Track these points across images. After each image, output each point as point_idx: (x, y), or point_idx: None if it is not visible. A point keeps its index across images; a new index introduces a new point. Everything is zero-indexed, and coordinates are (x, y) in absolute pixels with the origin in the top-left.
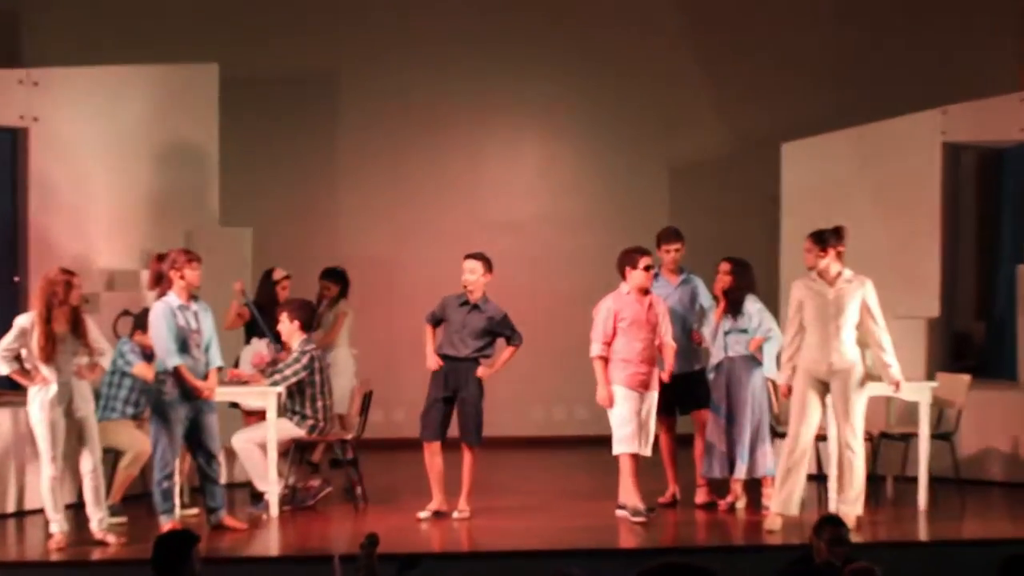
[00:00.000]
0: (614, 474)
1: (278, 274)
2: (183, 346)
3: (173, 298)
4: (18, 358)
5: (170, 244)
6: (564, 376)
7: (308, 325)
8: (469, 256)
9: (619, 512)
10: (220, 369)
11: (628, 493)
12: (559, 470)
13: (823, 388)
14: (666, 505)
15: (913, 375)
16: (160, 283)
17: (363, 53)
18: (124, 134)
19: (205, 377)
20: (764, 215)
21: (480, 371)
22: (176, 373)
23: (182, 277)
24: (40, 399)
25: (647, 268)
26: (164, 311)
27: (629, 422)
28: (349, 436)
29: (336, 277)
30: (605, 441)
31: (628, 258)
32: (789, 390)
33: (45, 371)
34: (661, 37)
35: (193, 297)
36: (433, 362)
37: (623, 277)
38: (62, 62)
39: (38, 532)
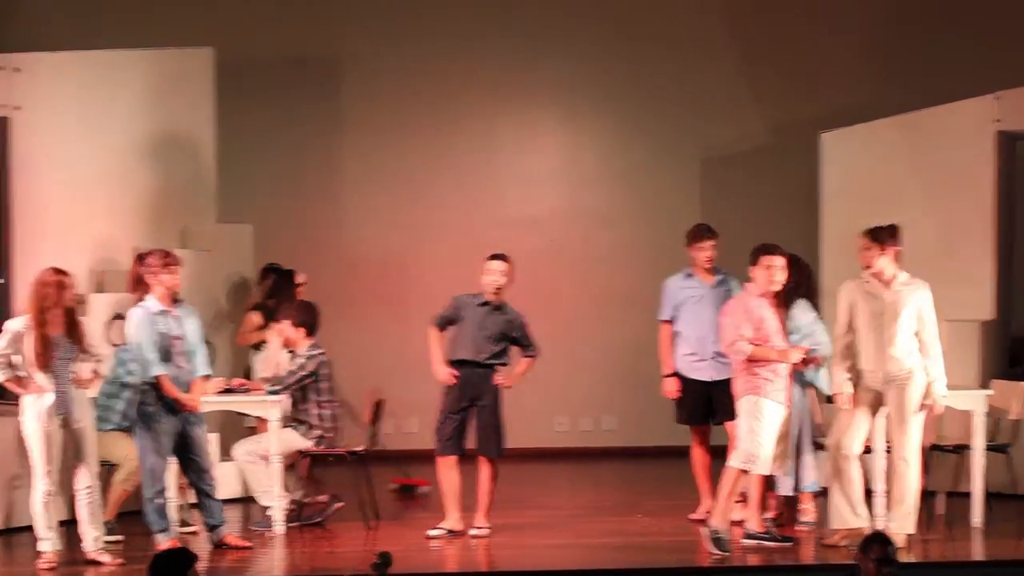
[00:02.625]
0: (644, 488)
1: (300, 277)
2: (165, 354)
3: (152, 303)
4: (11, 365)
5: (164, 242)
6: (590, 383)
7: (312, 328)
8: (497, 257)
9: (749, 541)
10: (207, 378)
11: (723, 514)
12: (585, 484)
13: (876, 398)
14: (699, 521)
15: (966, 382)
16: (139, 286)
17: (368, 35)
18: (113, 124)
19: (191, 386)
20: (802, 210)
21: (499, 379)
22: (157, 384)
23: (160, 282)
24: (35, 409)
25: (768, 268)
26: (142, 318)
27: (776, 442)
28: (360, 448)
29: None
30: (634, 453)
31: (753, 255)
32: (846, 398)
33: (40, 379)
34: (694, 16)
35: (176, 300)
36: (444, 374)
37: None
38: (46, 47)
39: (27, 551)
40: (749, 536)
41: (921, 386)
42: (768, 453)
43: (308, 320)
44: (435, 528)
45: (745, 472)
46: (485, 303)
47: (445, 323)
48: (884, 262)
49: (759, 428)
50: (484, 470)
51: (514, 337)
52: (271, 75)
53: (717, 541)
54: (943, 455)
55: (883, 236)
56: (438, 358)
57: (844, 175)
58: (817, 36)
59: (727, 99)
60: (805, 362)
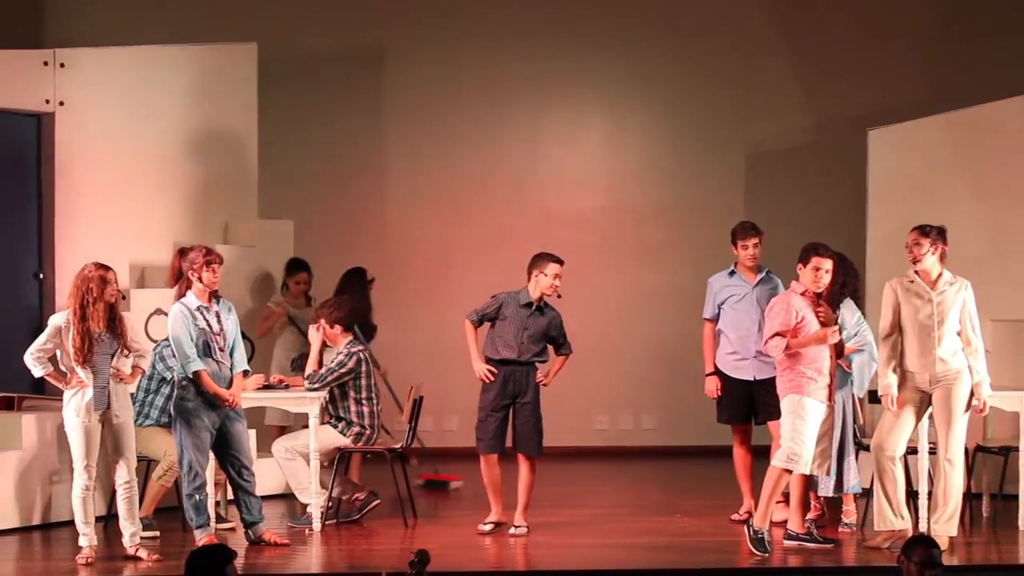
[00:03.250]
0: (683, 488)
1: (370, 275)
2: (205, 349)
3: (191, 299)
4: (53, 360)
5: (206, 237)
6: (630, 382)
7: (350, 325)
8: (556, 259)
9: (790, 542)
10: (246, 373)
11: (764, 513)
12: (624, 483)
13: (922, 399)
14: (741, 522)
15: (1013, 383)
16: (179, 281)
17: (411, 30)
18: (156, 119)
19: (230, 382)
20: (848, 208)
21: (539, 377)
22: (196, 380)
23: (199, 279)
24: (75, 403)
25: (816, 270)
26: (181, 314)
27: (817, 441)
28: (397, 445)
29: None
30: (674, 452)
31: (803, 254)
32: (892, 399)
33: (81, 373)
34: (740, 11)
35: (215, 297)
36: (482, 370)
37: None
38: (90, 42)
39: (66, 546)
40: (790, 537)
41: (968, 387)
42: (810, 452)
43: (344, 317)
44: (484, 523)
45: (788, 472)
46: (529, 304)
47: (483, 320)
48: (932, 261)
49: (802, 427)
50: (524, 468)
51: (552, 336)
52: (314, 70)
53: (758, 542)
54: (989, 457)
55: (933, 234)
56: (476, 354)
57: (892, 173)
58: (865, 31)
59: (773, 95)
60: (839, 353)
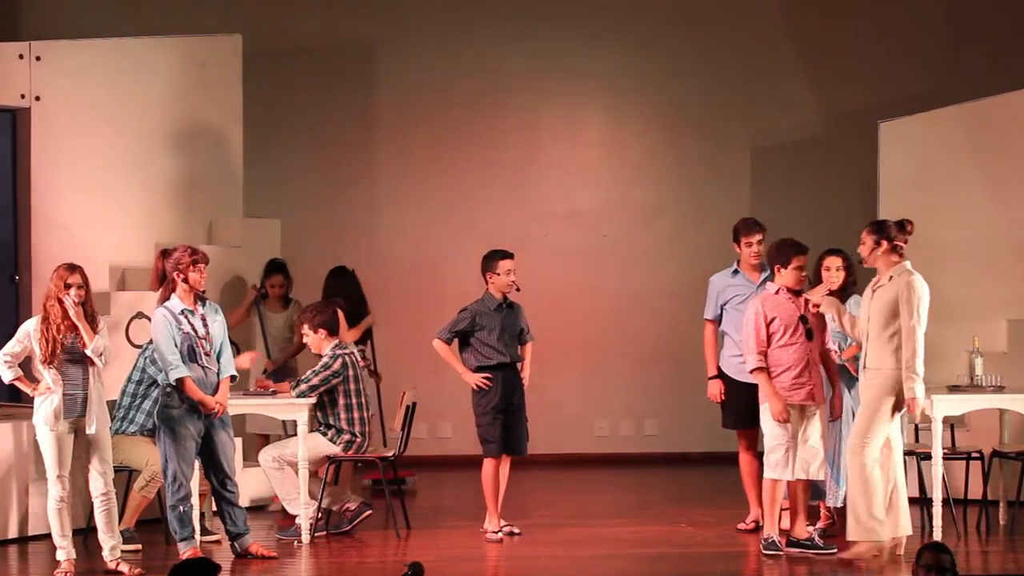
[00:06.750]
0: (688, 496)
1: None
2: (190, 354)
3: (175, 302)
4: (26, 365)
5: (190, 237)
6: (632, 386)
7: (333, 328)
8: (505, 255)
9: (793, 549)
10: (233, 379)
11: (770, 522)
12: (627, 491)
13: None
14: (747, 532)
15: None
16: (163, 283)
17: (403, 20)
18: (137, 114)
19: (216, 387)
20: (858, 203)
21: (525, 377)
22: (180, 387)
23: (185, 280)
24: (43, 411)
25: (799, 268)
26: (164, 319)
27: (781, 445)
28: (389, 453)
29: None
30: (678, 459)
31: (781, 256)
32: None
33: (47, 378)
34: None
35: (200, 299)
36: (477, 378)
37: (772, 275)
38: (67, 34)
39: (43, 560)
40: (792, 543)
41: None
42: (781, 458)
43: (327, 321)
44: (496, 531)
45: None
46: (499, 305)
47: (455, 337)
48: (875, 257)
49: (769, 431)
50: (507, 469)
51: (521, 327)
52: (302, 63)
53: (770, 544)
54: (1005, 462)
55: (877, 230)
56: (462, 367)
57: (904, 167)
58: (875, 19)
59: (779, 86)
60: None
